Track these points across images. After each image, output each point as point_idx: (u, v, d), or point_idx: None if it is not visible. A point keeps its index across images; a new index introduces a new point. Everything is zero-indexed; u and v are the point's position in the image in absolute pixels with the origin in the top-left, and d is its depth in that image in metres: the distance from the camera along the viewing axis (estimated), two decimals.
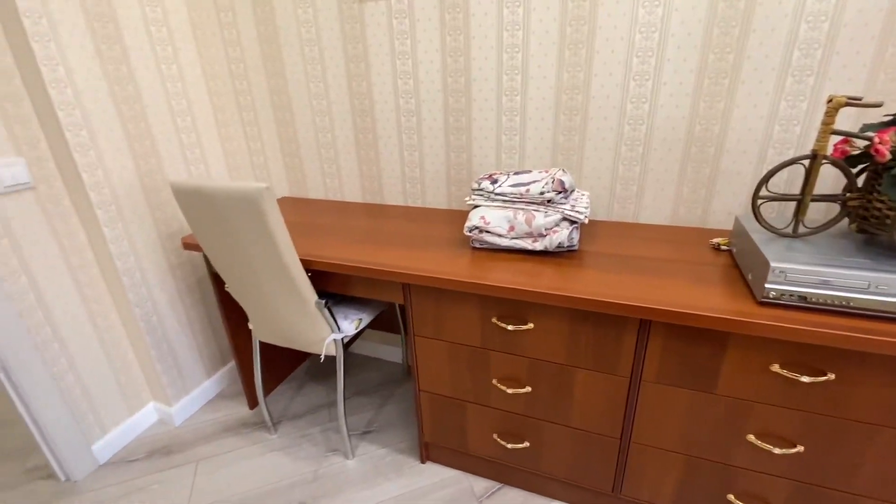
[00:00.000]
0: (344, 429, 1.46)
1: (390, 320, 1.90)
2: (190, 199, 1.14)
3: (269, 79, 1.66)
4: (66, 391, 1.42)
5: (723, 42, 1.13)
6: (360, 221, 1.50)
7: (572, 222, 1.13)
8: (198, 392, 1.74)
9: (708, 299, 0.90)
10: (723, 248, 1.14)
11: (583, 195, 1.21)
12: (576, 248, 1.16)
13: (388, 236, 1.34)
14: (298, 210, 1.65)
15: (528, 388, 1.16)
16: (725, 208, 1.27)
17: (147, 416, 1.67)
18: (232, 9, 1.60)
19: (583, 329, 1.02)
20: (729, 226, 1.29)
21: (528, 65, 1.31)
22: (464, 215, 1.50)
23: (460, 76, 1.40)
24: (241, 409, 1.75)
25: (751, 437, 0.97)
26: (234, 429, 1.65)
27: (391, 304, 1.77)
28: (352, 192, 1.73)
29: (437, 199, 1.59)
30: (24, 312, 1.29)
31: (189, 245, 1.41)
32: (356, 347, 2.06)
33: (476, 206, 1.20)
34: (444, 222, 1.44)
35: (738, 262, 1.04)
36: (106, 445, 1.54)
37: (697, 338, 0.92)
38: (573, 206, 1.13)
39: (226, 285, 1.36)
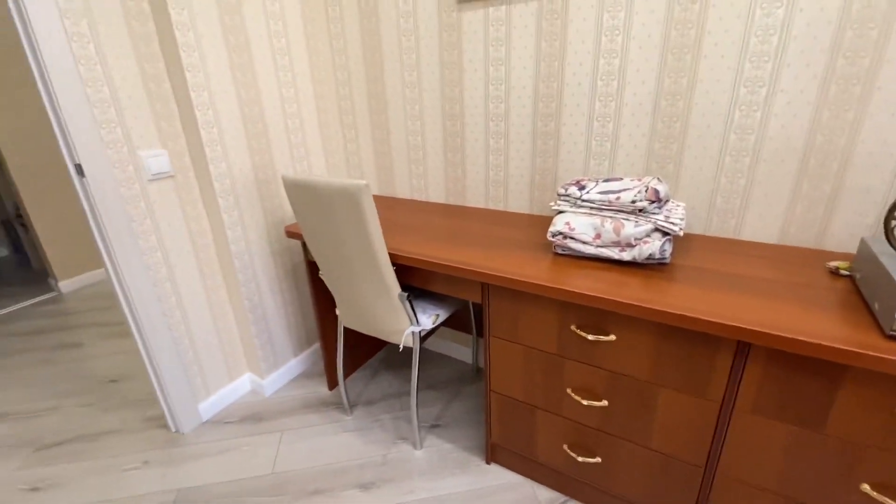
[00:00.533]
0: (415, 419, 1.52)
1: (463, 320, 1.94)
2: (298, 191, 1.27)
3: (369, 84, 1.78)
4: (183, 354, 1.63)
5: (857, 45, 1.01)
6: (442, 221, 1.55)
7: (665, 234, 1.08)
8: (286, 368, 1.91)
9: (822, 326, 0.82)
10: (842, 272, 1.02)
11: (678, 206, 1.15)
12: (667, 261, 1.10)
13: (470, 237, 1.38)
14: (386, 207, 1.75)
15: (605, 402, 1.12)
16: (848, 229, 1.14)
17: (243, 384, 1.87)
18: (341, 20, 1.74)
19: (670, 346, 0.97)
20: (851, 248, 1.15)
21: (625, 69, 1.27)
22: (546, 220, 1.49)
23: (553, 81, 1.39)
24: (321, 389, 1.88)
25: (865, 487, 0.86)
26: (315, 406, 1.79)
27: (465, 305, 1.81)
28: (436, 193, 1.80)
29: (519, 203, 1.60)
30: (157, 282, 1.51)
31: (291, 234, 1.56)
32: (429, 343, 2.13)
33: (561, 212, 1.19)
34: (526, 226, 1.44)
35: (861, 290, 0.93)
36: (209, 406, 1.74)
37: (806, 368, 0.84)
38: (667, 216, 1.08)
39: (320, 272, 1.48)
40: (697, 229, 1.32)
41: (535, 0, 1.34)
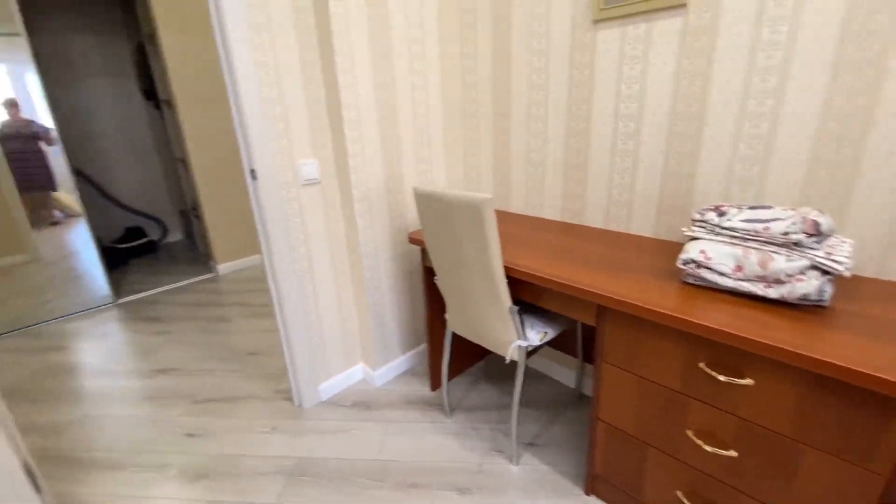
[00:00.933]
0: (513, 434, 1.52)
1: (570, 342, 1.89)
2: (426, 201, 1.37)
3: (495, 103, 1.85)
4: (313, 338, 1.84)
5: None
6: (558, 238, 1.54)
7: (825, 273, 0.95)
8: (394, 364, 2.05)
9: None
10: None
11: (843, 243, 1.01)
12: (826, 303, 0.97)
13: (587, 256, 1.35)
14: (501, 221, 1.80)
15: (734, 453, 1.01)
16: None
17: (356, 373, 2.04)
18: (475, 42, 1.84)
19: (824, 401, 0.85)
20: None
21: (784, 88, 1.15)
22: (673, 246, 1.40)
23: (693, 100, 1.32)
24: (423, 389, 1.98)
25: None
26: (417, 404, 1.88)
27: (573, 326, 1.77)
28: (552, 210, 1.80)
29: (643, 225, 1.53)
30: (299, 273, 1.73)
31: (413, 240, 1.68)
32: (532, 361, 2.11)
33: (695, 239, 1.12)
34: (650, 251, 1.37)
35: None
36: (327, 388, 1.94)
37: None
38: (828, 253, 0.95)
39: (435, 277, 1.58)
40: (869, 272, 1.13)
41: (679, 17, 1.29)
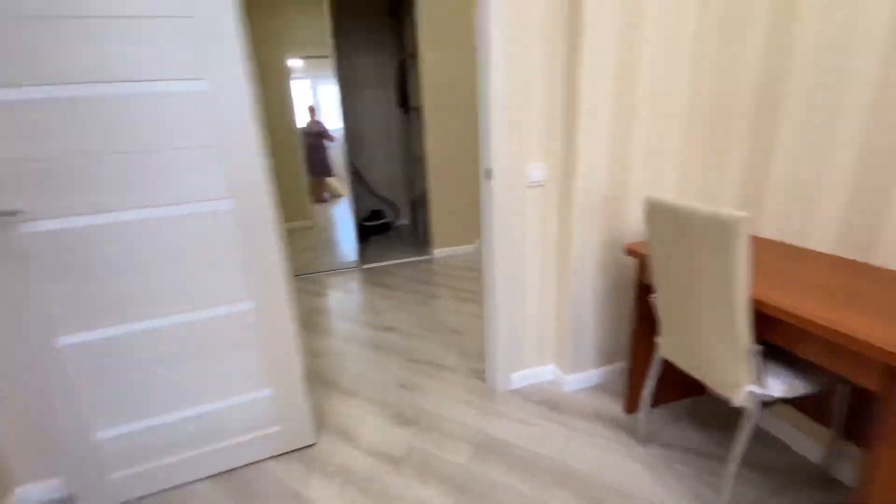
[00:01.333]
0: (728, 492, 1.32)
1: (821, 406, 1.51)
2: (660, 213, 1.29)
3: (757, 110, 1.60)
4: (513, 329, 1.96)
5: None
6: (829, 275, 1.25)
7: None
8: (585, 374, 2.00)
9: None
10: None
11: None
12: None
13: (878, 303, 1.06)
14: None
15: None
16: None
17: (546, 372, 2.08)
18: (742, 41, 1.62)
19: None
20: None
21: None
22: None
23: None
24: (615, 408, 1.88)
25: None
26: (607, 421, 1.80)
27: (834, 387, 1.40)
28: (822, 240, 1.46)
29: None
30: (513, 267, 1.86)
31: (631, 252, 1.60)
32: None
33: None
34: None
35: None
36: (518, 378, 2.04)
37: None
38: None
39: (653, 295, 1.47)
40: None
41: None
